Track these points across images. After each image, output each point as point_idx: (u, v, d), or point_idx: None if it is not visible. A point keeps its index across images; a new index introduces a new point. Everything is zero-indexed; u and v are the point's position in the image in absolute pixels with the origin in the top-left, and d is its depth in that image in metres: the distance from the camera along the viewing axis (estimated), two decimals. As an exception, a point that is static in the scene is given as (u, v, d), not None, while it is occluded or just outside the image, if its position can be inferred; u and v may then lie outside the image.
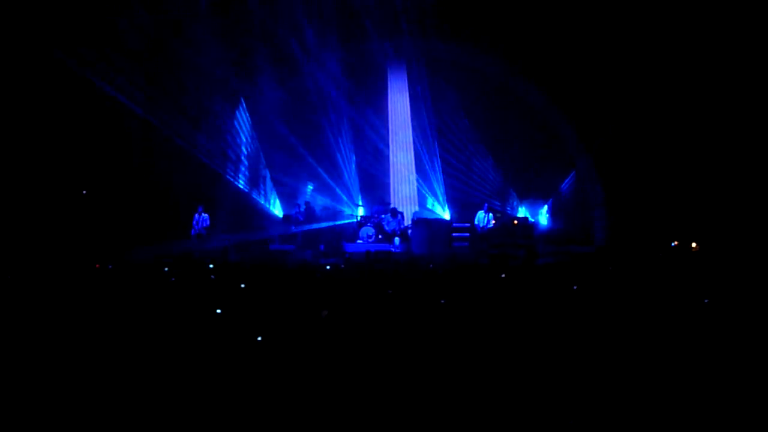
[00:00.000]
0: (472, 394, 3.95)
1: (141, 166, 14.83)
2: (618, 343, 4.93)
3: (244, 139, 16.97)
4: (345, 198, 17.38)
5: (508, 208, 16.62)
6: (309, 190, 17.01)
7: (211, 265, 9.60)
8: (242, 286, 7.57)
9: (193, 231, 14.69)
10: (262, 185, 17.23)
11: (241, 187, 16.74)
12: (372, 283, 7.98)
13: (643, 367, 4.35)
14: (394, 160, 17.90)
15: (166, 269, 9.34)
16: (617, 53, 14.60)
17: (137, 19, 14.59)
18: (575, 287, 7.56)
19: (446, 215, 17.14)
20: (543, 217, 16.72)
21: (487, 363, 4.51)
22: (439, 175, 17.15)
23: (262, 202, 17.19)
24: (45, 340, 5.00)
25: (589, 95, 15.19)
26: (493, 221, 14.69)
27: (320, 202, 16.96)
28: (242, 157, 16.94)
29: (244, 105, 16.93)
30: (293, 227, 15.95)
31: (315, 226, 15.90)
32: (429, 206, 17.29)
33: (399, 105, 17.99)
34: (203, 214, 14.77)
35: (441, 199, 17.25)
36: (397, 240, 15.70)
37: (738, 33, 13.42)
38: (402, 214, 16.30)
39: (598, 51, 14.77)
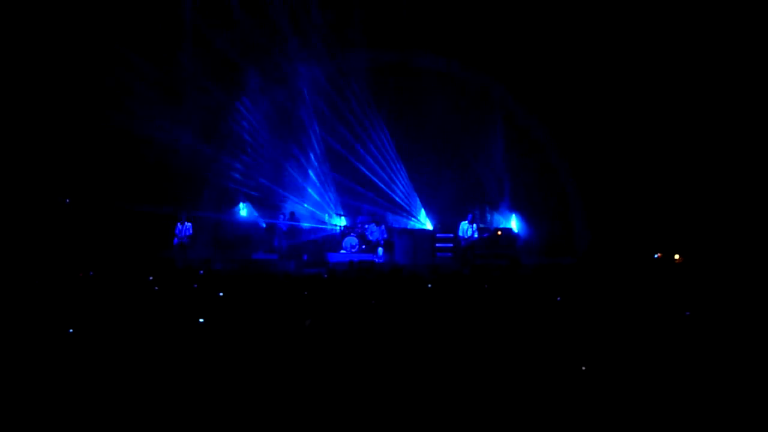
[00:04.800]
0: (454, 404, 3.97)
1: (125, 174, 14.73)
2: (599, 355, 4.98)
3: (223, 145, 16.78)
4: (321, 213, 17.23)
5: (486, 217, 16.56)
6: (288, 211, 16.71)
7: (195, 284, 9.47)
8: (221, 294, 7.55)
9: (175, 240, 14.46)
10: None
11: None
12: (356, 294, 7.98)
13: (625, 379, 4.40)
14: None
15: (150, 278, 9.26)
16: (600, 63, 14.76)
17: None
18: (558, 298, 7.63)
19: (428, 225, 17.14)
20: (514, 226, 16.61)
21: (470, 373, 4.54)
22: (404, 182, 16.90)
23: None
24: (25, 348, 4.94)
25: (570, 103, 15.30)
26: (477, 232, 14.75)
27: (304, 212, 16.79)
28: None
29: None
30: (275, 238, 15.83)
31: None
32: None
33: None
34: (186, 223, 14.47)
35: (418, 209, 17.15)
36: (380, 250, 15.71)
37: (720, 50, 13.68)
38: (385, 224, 16.31)
39: (580, 59, 14.91)
